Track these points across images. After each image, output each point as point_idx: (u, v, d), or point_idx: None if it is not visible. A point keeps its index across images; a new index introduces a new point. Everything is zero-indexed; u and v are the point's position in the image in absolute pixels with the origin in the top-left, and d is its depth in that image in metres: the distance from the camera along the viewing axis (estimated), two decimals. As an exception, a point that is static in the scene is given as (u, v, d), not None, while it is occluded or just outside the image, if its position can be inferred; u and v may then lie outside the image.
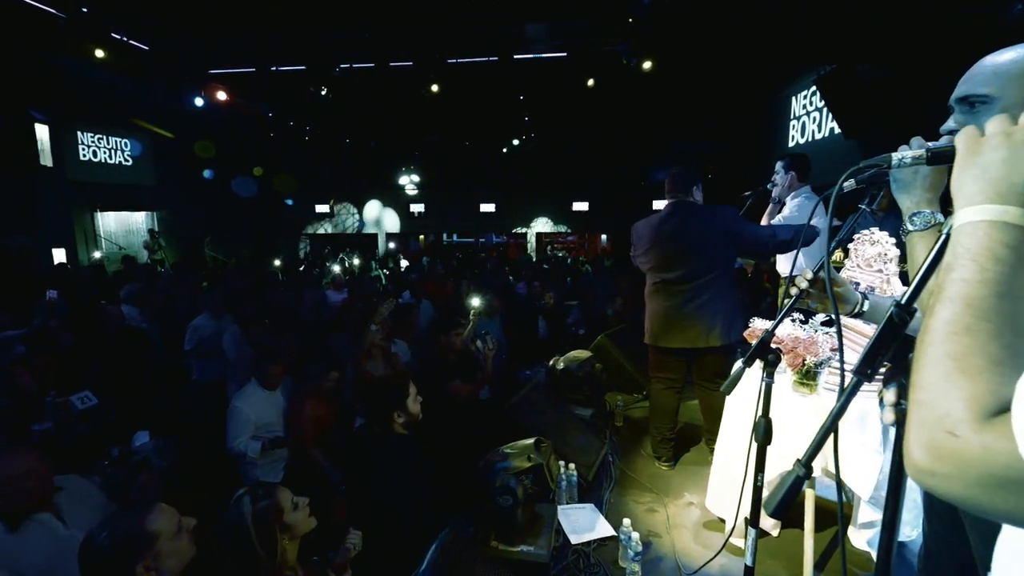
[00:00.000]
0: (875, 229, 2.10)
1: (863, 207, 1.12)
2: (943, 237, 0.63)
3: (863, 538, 2.20)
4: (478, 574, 1.70)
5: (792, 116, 8.86)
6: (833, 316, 2.19)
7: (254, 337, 4.14)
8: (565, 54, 8.39)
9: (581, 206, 15.15)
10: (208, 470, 3.43)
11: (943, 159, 0.68)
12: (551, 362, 3.79)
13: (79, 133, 11.35)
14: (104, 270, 8.79)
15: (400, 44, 8.11)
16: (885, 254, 2.03)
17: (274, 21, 7.40)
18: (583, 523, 2.43)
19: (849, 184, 0.83)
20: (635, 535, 2.13)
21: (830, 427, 0.70)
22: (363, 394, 3.46)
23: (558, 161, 14.43)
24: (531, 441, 2.24)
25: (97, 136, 11.82)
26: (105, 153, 12.10)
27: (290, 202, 13.37)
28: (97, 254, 11.39)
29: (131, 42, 8.14)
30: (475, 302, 4.24)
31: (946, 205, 1.02)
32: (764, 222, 3.49)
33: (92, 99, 10.26)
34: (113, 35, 7.65)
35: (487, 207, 15.65)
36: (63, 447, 3.35)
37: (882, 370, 0.75)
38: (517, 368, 5.06)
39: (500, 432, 2.80)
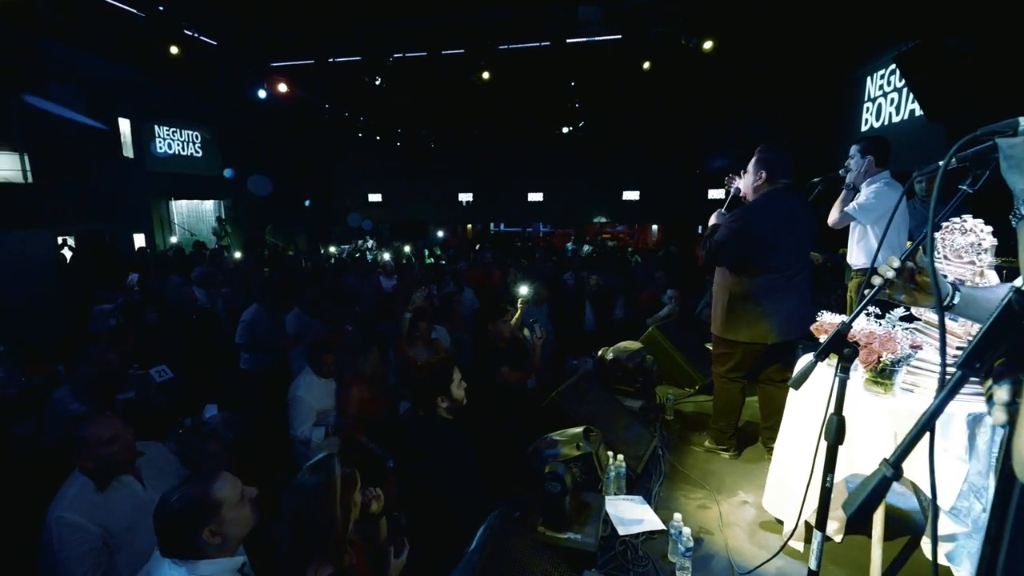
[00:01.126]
0: (967, 217, 1.91)
1: (964, 188, 1.00)
2: None
3: (940, 551, 2.04)
4: (526, 557, 1.70)
5: (867, 97, 8.22)
6: (921, 308, 2.02)
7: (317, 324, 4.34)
8: (620, 36, 8.14)
9: (632, 195, 14.76)
10: (265, 447, 3.65)
11: None
12: (600, 352, 3.73)
13: (156, 127, 12.21)
14: (183, 253, 9.46)
15: (452, 32, 8.14)
16: (979, 244, 1.84)
17: (332, 13, 7.61)
18: (632, 515, 2.39)
19: (951, 161, 0.75)
20: (686, 531, 2.07)
21: (925, 426, 0.64)
22: (408, 379, 3.55)
23: (608, 149, 14.11)
24: (580, 430, 2.22)
25: (171, 129, 12.68)
26: (179, 145, 12.97)
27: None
28: (173, 239, 12.27)
29: (201, 38, 8.62)
30: (523, 290, 4.24)
31: None
32: (836, 209, 3.26)
33: (166, 94, 11.00)
34: (185, 32, 8.11)
35: (535, 196, 15.56)
36: (143, 415, 3.65)
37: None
38: (563, 357, 5.04)
39: (547, 420, 2.80)
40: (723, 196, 3.05)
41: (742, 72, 8.89)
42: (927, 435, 0.67)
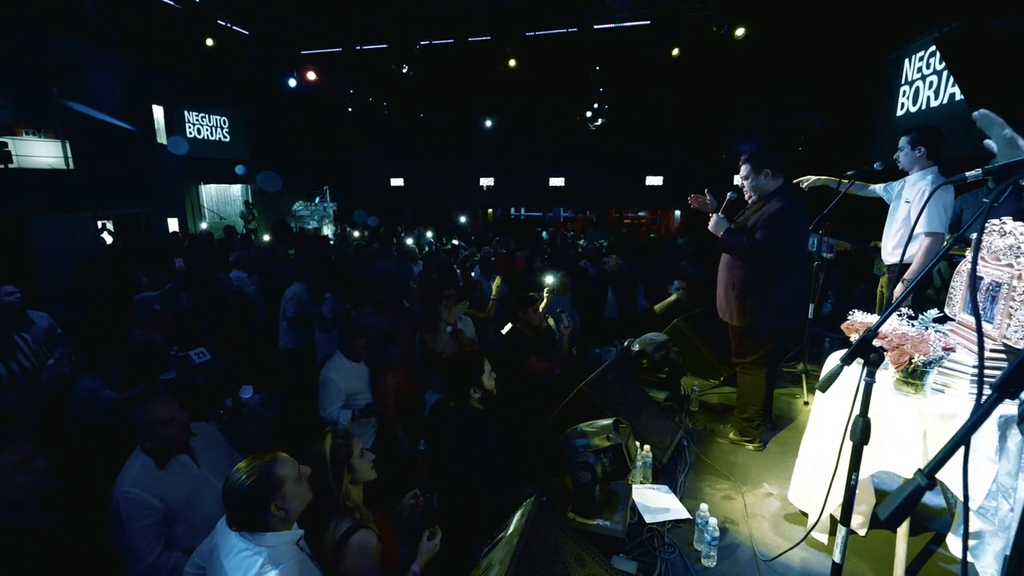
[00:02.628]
0: (1007, 219, 1.90)
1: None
2: None
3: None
4: (559, 541, 1.80)
5: (904, 80, 7.93)
6: (954, 309, 2.03)
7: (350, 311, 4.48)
8: (649, 22, 7.98)
9: (655, 180, 14.55)
10: (304, 426, 3.81)
11: None
12: (625, 343, 3.78)
13: (186, 112, 12.47)
14: (213, 238, 9.73)
15: (479, 18, 8.09)
16: (1018, 247, 1.84)
17: (361, 2, 7.63)
18: (658, 504, 2.48)
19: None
20: (712, 520, 2.15)
21: (961, 440, 0.69)
22: (440, 370, 3.66)
23: (632, 133, 13.91)
24: (610, 421, 2.29)
25: (200, 115, 12.93)
26: (207, 130, 13.24)
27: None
28: (204, 225, 12.62)
29: (234, 28, 8.75)
30: (549, 279, 4.29)
31: None
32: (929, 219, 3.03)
33: (197, 81, 11.21)
34: (219, 22, 8.24)
35: (556, 181, 15.46)
36: (185, 396, 3.85)
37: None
38: (586, 347, 5.10)
39: (575, 409, 2.88)
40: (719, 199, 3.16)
41: (771, 55, 8.63)
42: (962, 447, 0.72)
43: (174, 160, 11.57)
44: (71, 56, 9.09)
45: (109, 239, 9.86)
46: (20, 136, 9.30)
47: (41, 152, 9.61)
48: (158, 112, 11.30)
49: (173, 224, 11.57)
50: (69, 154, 9.81)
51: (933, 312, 1.98)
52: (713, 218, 2.99)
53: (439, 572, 1.89)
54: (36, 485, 1.72)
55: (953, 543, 2.12)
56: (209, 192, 13.74)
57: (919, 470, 0.74)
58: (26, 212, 7.94)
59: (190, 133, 12.64)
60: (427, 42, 8.60)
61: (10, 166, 8.36)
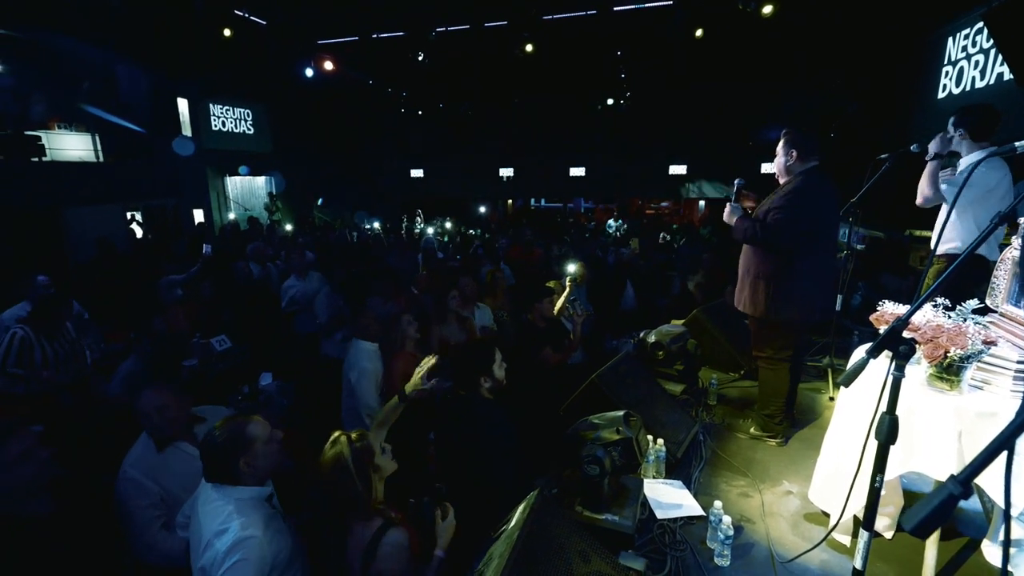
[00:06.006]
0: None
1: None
2: None
3: (1000, 552, 1.93)
4: (564, 536, 1.73)
5: (947, 60, 7.49)
6: (997, 300, 1.87)
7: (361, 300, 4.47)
8: (671, 2, 7.71)
9: (678, 169, 14.19)
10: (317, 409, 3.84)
11: None
12: (641, 335, 3.68)
13: (211, 105, 12.68)
14: (239, 228, 9.91)
15: (495, 2, 7.95)
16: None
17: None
18: (670, 499, 2.39)
19: None
20: (726, 518, 2.05)
21: (1003, 444, 0.60)
22: (451, 359, 3.61)
23: (654, 121, 13.57)
24: (620, 414, 2.20)
25: (225, 107, 13.14)
26: (232, 123, 13.45)
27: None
28: (231, 216, 12.87)
29: (251, 18, 8.81)
30: (571, 268, 4.17)
31: None
32: (926, 185, 2.92)
33: (221, 73, 11.36)
34: (236, 12, 8.31)
35: (576, 171, 15.23)
36: (206, 382, 3.92)
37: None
38: (603, 337, 5.00)
39: (587, 400, 2.80)
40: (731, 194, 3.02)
41: (800, 36, 8.24)
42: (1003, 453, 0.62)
43: (200, 153, 11.79)
44: (99, 50, 9.31)
45: (139, 231, 10.15)
46: (53, 130, 9.60)
47: (72, 145, 9.91)
48: (183, 105, 11.51)
49: (199, 215, 11.83)
50: (99, 147, 10.09)
51: (973, 303, 1.83)
52: (728, 207, 2.89)
53: (448, 563, 1.86)
54: (40, 476, 1.75)
55: (989, 550, 1.98)
56: (234, 184, 14.00)
57: (952, 476, 0.64)
58: (59, 204, 8.22)
59: (215, 126, 12.86)
60: (443, 28, 8.50)
61: (44, 159, 8.64)
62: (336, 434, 1.84)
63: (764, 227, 2.69)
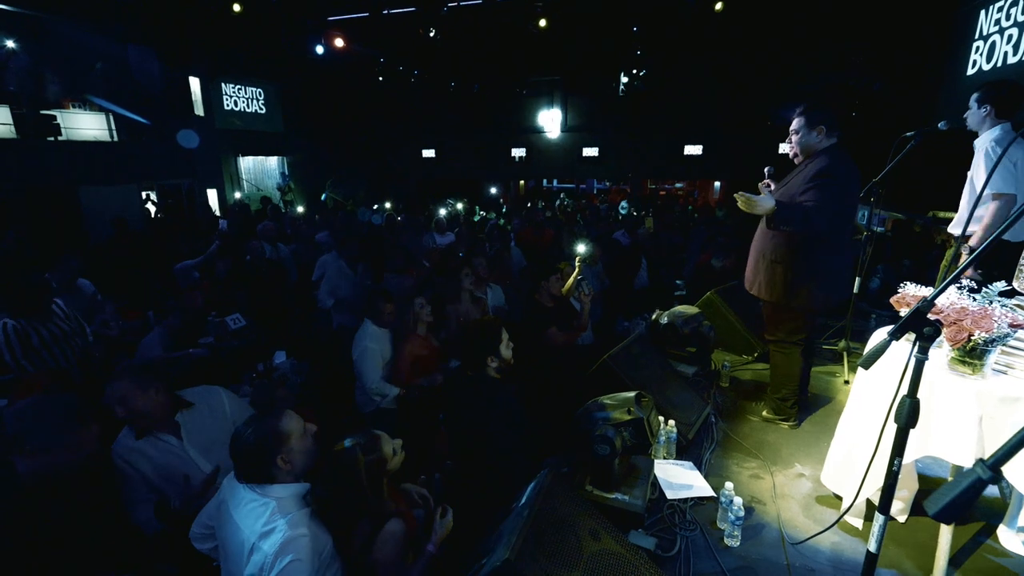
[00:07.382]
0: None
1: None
2: None
3: (1019, 540, 1.91)
4: (574, 515, 1.75)
5: (978, 35, 7.16)
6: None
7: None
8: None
9: (694, 150, 13.87)
10: (329, 388, 3.89)
11: None
12: (654, 316, 3.64)
13: (223, 84, 12.63)
14: (249, 209, 9.95)
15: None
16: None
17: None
18: (681, 480, 2.39)
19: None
20: (737, 499, 2.05)
21: (1037, 429, 0.57)
22: (458, 338, 3.62)
23: (670, 100, 13.24)
24: (632, 394, 2.19)
25: (237, 87, 13.08)
26: (244, 102, 13.39)
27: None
28: (237, 194, 12.91)
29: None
30: (581, 248, 4.14)
31: None
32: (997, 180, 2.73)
33: (232, 52, 11.28)
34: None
35: (590, 151, 14.98)
36: (221, 360, 3.99)
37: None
38: (615, 318, 4.98)
39: (599, 381, 2.80)
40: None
41: (821, 9, 7.92)
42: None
43: (212, 131, 11.79)
44: (111, 29, 9.28)
45: (153, 209, 10.24)
46: (68, 109, 9.66)
47: (87, 124, 9.97)
48: (195, 84, 11.47)
49: (212, 195, 11.89)
50: (113, 126, 10.13)
51: (1000, 285, 1.77)
52: (761, 196, 2.58)
53: (455, 543, 1.88)
54: (93, 451, 1.78)
55: (1006, 536, 1.95)
56: (247, 164, 14.02)
57: (980, 460, 0.62)
58: (75, 183, 8.31)
59: (227, 105, 12.81)
60: (455, 3, 8.32)
61: (59, 138, 8.71)
62: (349, 444, 1.74)
63: (806, 210, 2.49)
